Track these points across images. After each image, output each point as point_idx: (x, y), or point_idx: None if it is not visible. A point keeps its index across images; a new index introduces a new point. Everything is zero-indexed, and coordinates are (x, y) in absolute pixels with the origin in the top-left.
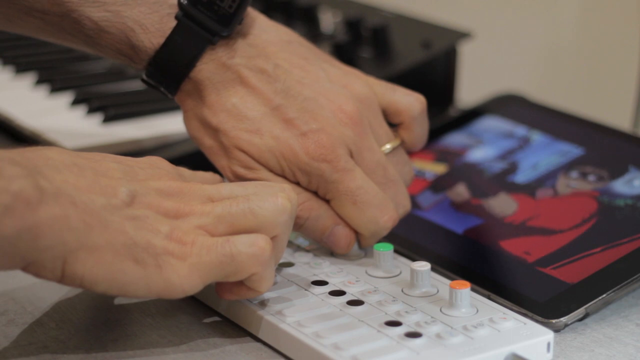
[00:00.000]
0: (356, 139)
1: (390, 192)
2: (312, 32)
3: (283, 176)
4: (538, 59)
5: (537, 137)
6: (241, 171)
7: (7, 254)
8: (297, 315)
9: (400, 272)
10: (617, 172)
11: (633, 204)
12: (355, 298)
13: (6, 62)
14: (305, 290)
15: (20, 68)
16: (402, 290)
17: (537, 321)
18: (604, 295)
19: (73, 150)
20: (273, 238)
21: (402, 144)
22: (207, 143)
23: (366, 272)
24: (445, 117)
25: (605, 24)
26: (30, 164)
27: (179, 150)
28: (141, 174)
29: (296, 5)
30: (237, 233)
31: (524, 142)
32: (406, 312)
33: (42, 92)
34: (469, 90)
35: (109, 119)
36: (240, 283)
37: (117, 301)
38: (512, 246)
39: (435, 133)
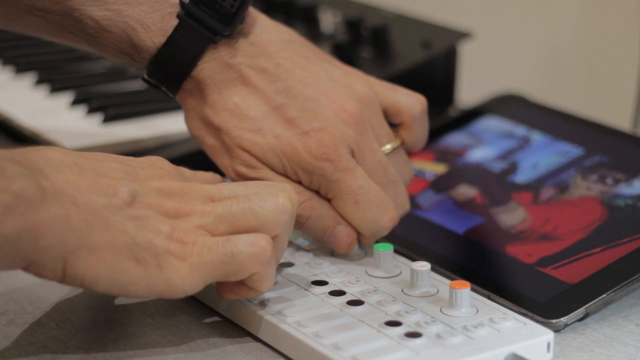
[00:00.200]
0: (358, 138)
1: (390, 192)
2: (312, 32)
3: (285, 175)
4: (538, 59)
5: (537, 137)
6: (243, 170)
7: (7, 254)
8: (297, 315)
9: (400, 272)
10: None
11: (633, 204)
12: (355, 298)
13: (6, 62)
14: (305, 290)
15: (20, 68)
16: (402, 290)
17: (537, 321)
18: (604, 295)
19: (74, 150)
20: (274, 238)
21: (402, 144)
22: (209, 142)
23: (366, 272)
24: (445, 117)
25: (605, 24)
26: (31, 164)
27: (179, 150)
28: (142, 174)
29: (296, 5)
30: (238, 233)
31: (524, 142)
32: (406, 312)
33: (42, 92)
34: (469, 90)
35: (109, 119)
36: (241, 283)
37: (117, 301)
38: (512, 246)
39: (435, 133)
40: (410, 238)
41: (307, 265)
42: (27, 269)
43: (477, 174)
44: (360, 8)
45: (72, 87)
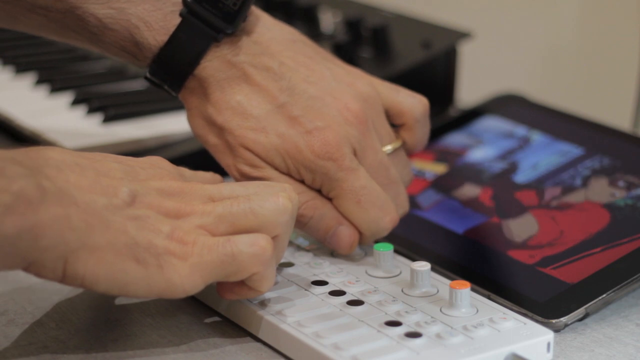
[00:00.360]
0: (360, 138)
1: (391, 193)
2: (312, 32)
3: (288, 174)
4: (538, 59)
5: (537, 137)
6: (247, 169)
7: (8, 254)
8: (297, 315)
9: (400, 272)
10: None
11: (633, 204)
12: (355, 298)
13: (6, 62)
14: (305, 290)
15: (20, 68)
16: (402, 290)
17: (537, 321)
18: (604, 295)
19: (74, 150)
20: (274, 238)
21: (403, 145)
22: (212, 141)
23: (366, 272)
24: (445, 117)
25: (605, 24)
26: (31, 164)
27: (180, 150)
28: (142, 174)
29: (296, 5)
30: (238, 233)
31: (524, 142)
32: (406, 312)
33: (42, 92)
34: (469, 90)
35: (109, 119)
36: (241, 283)
37: (117, 301)
38: (513, 246)
39: (435, 133)
40: (410, 238)
41: (307, 265)
42: (27, 269)
43: (477, 174)
44: (360, 8)
45: (72, 87)
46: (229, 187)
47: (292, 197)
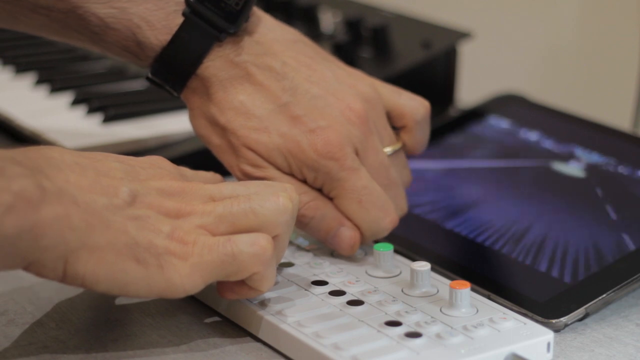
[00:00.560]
0: (362, 138)
1: (390, 194)
2: (312, 32)
3: (290, 174)
4: (538, 59)
5: (537, 137)
6: (249, 169)
7: (8, 254)
8: (297, 315)
9: (400, 272)
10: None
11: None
12: (355, 298)
13: (6, 62)
14: (305, 290)
15: (20, 68)
16: (402, 290)
17: (537, 321)
18: (604, 295)
19: (74, 150)
20: (274, 237)
21: (403, 147)
22: (215, 141)
23: (366, 272)
24: (445, 117)
25: (605, 24)
26: (31, 164)
27: (180, 150)
28: (142, 174)
29: (296, 5)
30: (239, 232)
31: (524, 142)
32: (406, 312)
33: (42, 92)
34: (469, 90)
35: (109, 119)
36: (242, 282)
37: (117, 301)
38: (513, 246)
39: (435, 133)
40: (410, 238)
41: (307, 265)
42: (27, 268)
43: (477, 174)
44: (360, 8)
45: (72, 87)
46: (229, 187)
47: (293, 197)
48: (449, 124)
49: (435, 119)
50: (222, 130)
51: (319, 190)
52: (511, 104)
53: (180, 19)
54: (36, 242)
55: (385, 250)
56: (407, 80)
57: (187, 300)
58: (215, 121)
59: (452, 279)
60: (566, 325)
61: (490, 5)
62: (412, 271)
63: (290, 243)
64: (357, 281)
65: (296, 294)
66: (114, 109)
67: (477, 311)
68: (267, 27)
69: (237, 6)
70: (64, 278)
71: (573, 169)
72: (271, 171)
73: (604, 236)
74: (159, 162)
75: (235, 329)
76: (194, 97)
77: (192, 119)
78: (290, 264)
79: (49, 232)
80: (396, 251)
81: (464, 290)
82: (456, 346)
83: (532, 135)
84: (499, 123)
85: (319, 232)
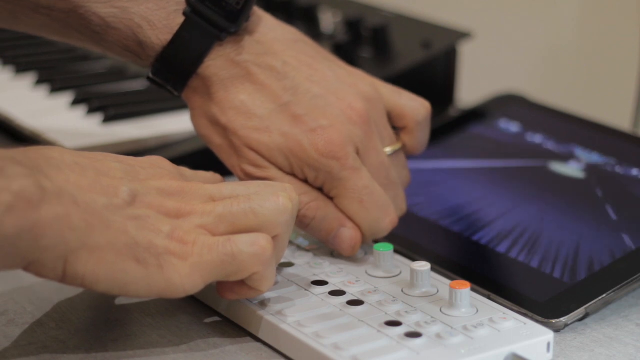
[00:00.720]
0: (363, 137)
1: (390, 194)
2: (312, 32)
3: (292, 174)
4: (538, 59)
5: (537, 137)
6: (251, 170)
7: (8, 254)
8: (297, 315)
9: (400, 272)
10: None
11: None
12: (355, 298)
13: (6, 62)
14: (305, 290)
15: (20, 68)
16: (402, 290)
17: (537, 321)
18: (604, 295)
19: (74, 150)
20: (274, 237)
21: (403, 147)
22: (217, 141)
23: (366, 272)
24: (445, 117)
25: (605, 24)
26: (31, 164)
27: (180, 150)
28: (142, 174)
29: (296, 5)
30: (239, 232)
31: (524, 142)
32: (406, 312)
33: (42, 92)
34: (469, 90)
35: (109, 119)
36: (242, 282)
37: (117, 301)
38: (513, 246)
39: (435, 133)
40: (410, 238)
41: (307, 265)
42: (27, 268)
43: (477, 174)
44: (360, 8)
45: (72, 87)
46: (229, 187)
47: (293, 197)
48: (449, 124)
49: (435, 119)
50: (224, 130)
51: (320, 190)
52: (511, 104)
53: (181, 19)
54: (36, 242)
55: (385, 250)
56: (407, 80)
57: (187, 300)
58: (216, 121)
59: (452, 279)
60: (566, 325)
61: (490, 5)
62: (412, 271)
63: (290, 243)
64: (357, 281)
65: (296, 294)
66: (114, 109)
67: (477, 311)
68: (267, 27)
69: (237, 5)
70: (64, 278)
71: (573, 169)
72: (273, 171)
73: (604, 236)
74: (158, 162)
75: (235, 329)
76: (195, 97)
77: (194, 119)
78: (290, 264)
79: (49, 232)
80: (396, 251)
81: (464, 290)
82: (456, 346)
83: (532, 136)
84: (499, 123)
85: (320, 233)
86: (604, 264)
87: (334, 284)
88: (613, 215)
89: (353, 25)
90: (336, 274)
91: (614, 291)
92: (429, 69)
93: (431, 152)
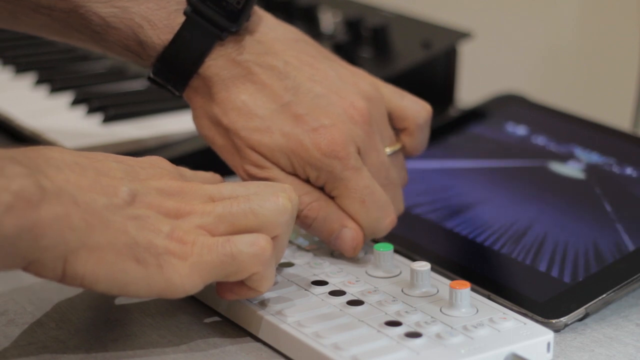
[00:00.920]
0: (365, 137)
1: (389, 194)
2: (312, 32)
3: (294, 174)
4: (538, 59)
5: (537, 137)
6: (253, 170)
7: (8, 254)
8: (297, 315)
9: (400, 272)
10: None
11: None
12: (355, 298)
13: (6, 62)
14: (305, 290)
15: (20, 68)
16: (402, 290)
17: (537, 321)
18: (604, 295)
19: (74, 150)
20: (274, 238)
21: (402, 148)
22: (219, 142)
23: (366, 272)
24: (445, 117)
25: (605, 24)
26: (31, 163)
27: (180, 150)
28: (142, 174)
29: (296, 5)
30: (238, 233)
31: (524, 142)
32: (406, 312)
33: (42, 92)
34: (469, 90)
35: (109, 119)
36: (241, 283)
37: (117, 301)
38: (513, 246)
39: (435, 133)
40: (410, 238)
41: (307, 265)
42: (27, 268)
43: (477, 174)
44: (360, 8)
45: (72, 87)
46: (229, 187)
47: (292, 197)
48: (449, 124)
49: (435, 119)
50: (225, 130)
51: (321, 189)
52: (511, 104)
53: (181, 18)
54: (36, 242)
55: (385, 250)
56: (407, 80)
57: (187, 300)
58: (218, 121)
59: (452, 279)
60: (566, 325)
61: (490, 5)
62: (412, 271)
63: (290, 243)
64: (357, 281)
65: (296, 294)
66: (114, 109)
67: (477, 311)
68: (268, 26)
69: (238, 5)
70: (64, 278)
71: (573, 169)
72: (274, 172)
73: (604, 236)
74: (158, 162)
75: (235, 329)
76: (197, 97)
77: (195, 119)
78: (290, 264)
79: (49, 232)
80: (396, 251)
81: (464, 290)
82: (456, 346)
83: (532, 135)
84: (498, 123)
85: (322, 233)
86: (604, 264)
87: (334, 284)
88: (613, 215)
89: (353, 25)
90: (336, 274)
91: (614, 291)
92: (429, 69)
93: (431, 152)
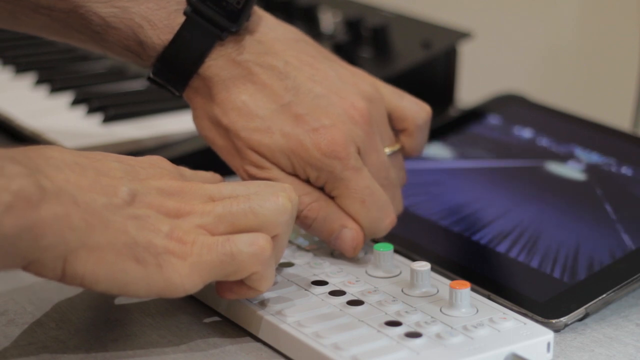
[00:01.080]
0: (365, 137)
1: (389, 194)
2: (312, 32)
3: (294, 174)
4: (538, 59)
5: (537, 137)
6: (253, 171)
7: (7, 253)
8: (297, 315)
9: (400, 272)
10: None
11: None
12: (355, 298)
13: (6, 62)
14: (305, 290)
15: (20, 68)
16: (402, 290)
17: (537, 321)
18: (604, 295)
19: (74, 150)
20: (273, 237)
21: (401, 149)
22: (220, 143)
23: (366, 272)
24: (445, 117)
25: (605, 24)
26: (31, 163)
27: (179, 150)
28: (142, 174)
29: (296, 5)
30: (238, 232)
31: (524, 142)
32: (406, 312)
33: (42, 92)
34: (469, 90)
35: (109, 119)
36: (241, 282)
37: (117, 301)
38: (513, 246)
39: (435, 133)
40: (410, 238)
41: (307, 265)
42: (27, 268)
43: (477, 174)
44: (360, 8)
45: (72, 87)
46: (228, 187)
47: (292, 197)
48: (449, 124)
49: (435, 119)
50: (226, 131)
51: (321, 189)
52: (511, 104)
53: (181, 18)
54: (36, 242)
55: (385, 250)
56: (407, 80)
57: (187, 300)
58: (218, 122)
59: (452, 279)
60: (566, 325)
61: (490, 5)
62: (412, 271)
63: (290, 243)
64: (357, 281)
65: (296, 294)
66: (114, 109)
67: (477, 311)
68: (268, 26)
69: (238, 5)
70: (64, 278)
71: (573, 169)
72: (275, 172)
73: (604, 236)
74: (158, 162)
75: (235, 329)
76: (197, 98)
77: (196, 120)
78: (290, 264)
79: (49, 232)
80: (396, 251)
81: (464, 290)
82: (456, 346)
83: (532, 136)
84: (499, 123)
85: (322, 234)
86: (604, 264)
87: (334, 284)
88: (613, 215)
89: (353, 25)
90: (336, 274)
91: (614, 291)
92: (429, 69)
93: (431, 152)
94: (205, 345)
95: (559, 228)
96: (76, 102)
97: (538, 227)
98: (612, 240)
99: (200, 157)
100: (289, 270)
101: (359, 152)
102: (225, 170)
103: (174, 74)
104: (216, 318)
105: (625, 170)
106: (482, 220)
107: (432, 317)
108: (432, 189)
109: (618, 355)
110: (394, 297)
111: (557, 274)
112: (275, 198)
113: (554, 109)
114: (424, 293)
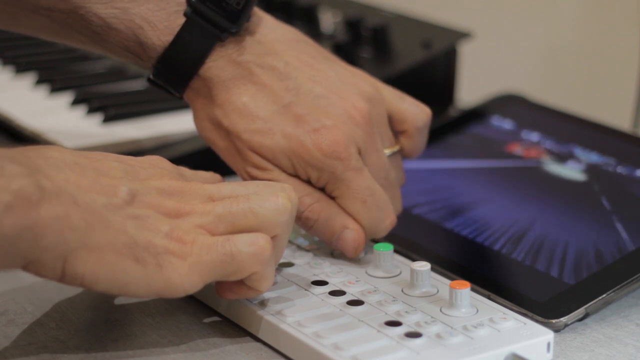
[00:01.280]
0: (366, 138)
1: (389, 195)
2: (312, 32)
3: (295, 175)
4: (538, 59)
5: (537, 137)
6: (255, 172)
7: (7, 253)
8: (297, 315)
9: (400, 272)
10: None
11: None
12: (355, 298)
13: (6, 62)
14: (305, 290)
15: (20, 68)
16: (402, 290)
17: (537, 321)
18: (604, 295)
19: (74, 150)
20: (273, 237)
21: (400, 150)
22: (221, 144)
23: (366, 272)
24: (445, 117)
25: (605, 24)
26: (31, 163)
27: (179, 150)
28: (142, 174)
29: (296, 5)
30: (238, 232)
31: (524, 142)
32: (406, 312)
33: (42, 92)
34: (469, 90)
35: (109, 119)
36: (241, 282)
37: (117, 301)
38: (513, 246)
39: (435, 133)
40: (410, 238)
41: (307, 265)
42: (26, 268)
43: (477, 174)
44: (360, 8)
45: (72, 87)
46: (228, 187)
47: (292, 197)
48: (449, 124)
49: (435, 119)
50: (227, 133)
51: (322, 190)
52: (511, 104)
53: (182, 19)
54: (36, 242)
55: (385, 250)
56: (407, 80)
57: (187, 300)
58: (219, 124)
59: (452, 279)
60: (566, 325)
61: (490, 5)
62: (412, 271)
63: (290, 243)
64: (357, 281)
65: (296, 294)
66: (114, 109)
67: (477, 311)
68: (268, 27)
69: (238, 5)
70: (63, 277)
71: (573, 169)
72: (276, 173)
73: (604, 236)
74: (158, 162)
75: (235, 329)
76: (197, 99)
77: (196, 121)
78: (290, 264)
79: (49, 232)
80: (396, 251)
81: (464, 290)
82: (456, 346)
83: (532, 136)
84: (499, 123)
85: (323, 234)
86: (604, 264)
87: (334, 284)
88: (613, 215)
89: (353, 25)
90: (336, 274)
91: (614, 291)
92: (429, 69)
93: (431, 152)
94: (205, 345)
95: (559, 228)
96: (76, 102)
97: (538, 227)
98: (612, 240)
99: (200, 157)
100: (289, 270)
101: (359, 153)
102: (225, 171)
103: (174, 75)
104: (216, 318)
105: (625, 170)
106: (482, 220)
107: (432, 317)
108: (432, 189)
109: (618, 355)
110: (394, 297)
111: (557, 274)
112: (274, 198)
113: (554, 109)
114: (424, 293)
